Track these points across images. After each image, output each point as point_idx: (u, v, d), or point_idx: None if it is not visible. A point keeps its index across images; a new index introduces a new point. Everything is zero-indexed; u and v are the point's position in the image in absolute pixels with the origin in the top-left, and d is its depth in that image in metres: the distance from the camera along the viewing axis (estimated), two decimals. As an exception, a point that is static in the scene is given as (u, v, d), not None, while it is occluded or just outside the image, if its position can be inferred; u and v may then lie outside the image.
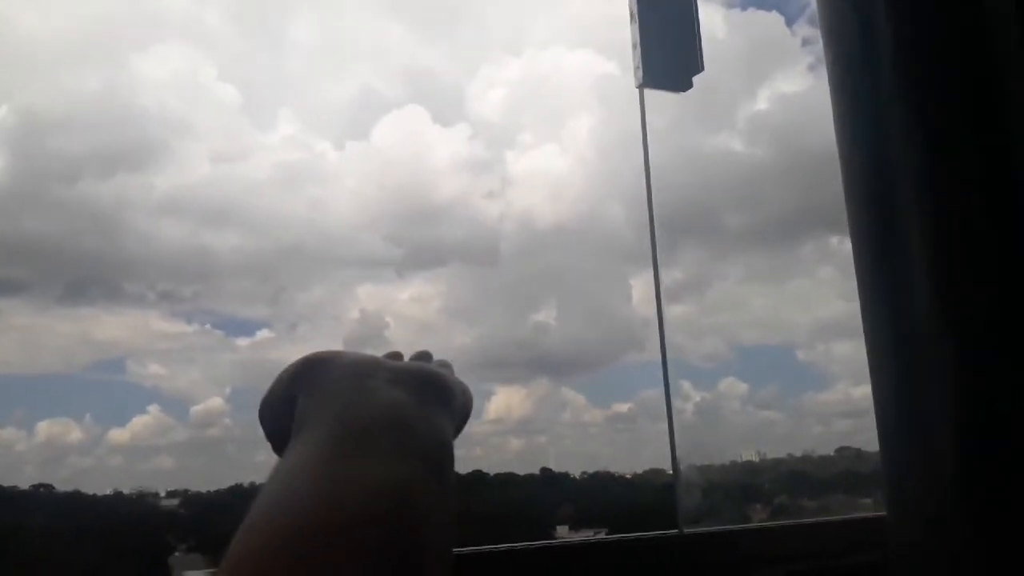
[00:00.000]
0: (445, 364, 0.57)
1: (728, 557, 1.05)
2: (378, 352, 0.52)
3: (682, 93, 1.20)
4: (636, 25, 1.11)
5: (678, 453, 1.24)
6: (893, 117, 0.96)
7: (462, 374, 0.55)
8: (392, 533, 0.34)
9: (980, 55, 0.94)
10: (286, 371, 0.47)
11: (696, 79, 1.17)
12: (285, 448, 0.41)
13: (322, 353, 0.46)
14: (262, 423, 0.48)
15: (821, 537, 1.14)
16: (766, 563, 1.05)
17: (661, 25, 1.11)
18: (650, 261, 1.26)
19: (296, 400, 0.44)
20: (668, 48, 1.11)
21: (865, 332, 1.01)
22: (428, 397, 0.44)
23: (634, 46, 1.11)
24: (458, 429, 0.48)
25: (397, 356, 0.57)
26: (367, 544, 0.32)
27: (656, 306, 1.26)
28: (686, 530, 1.08)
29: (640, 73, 1.11)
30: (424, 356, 0.58)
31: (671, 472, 1.26)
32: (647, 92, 1.19)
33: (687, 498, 1.16)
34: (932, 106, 0.94)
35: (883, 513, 1.00)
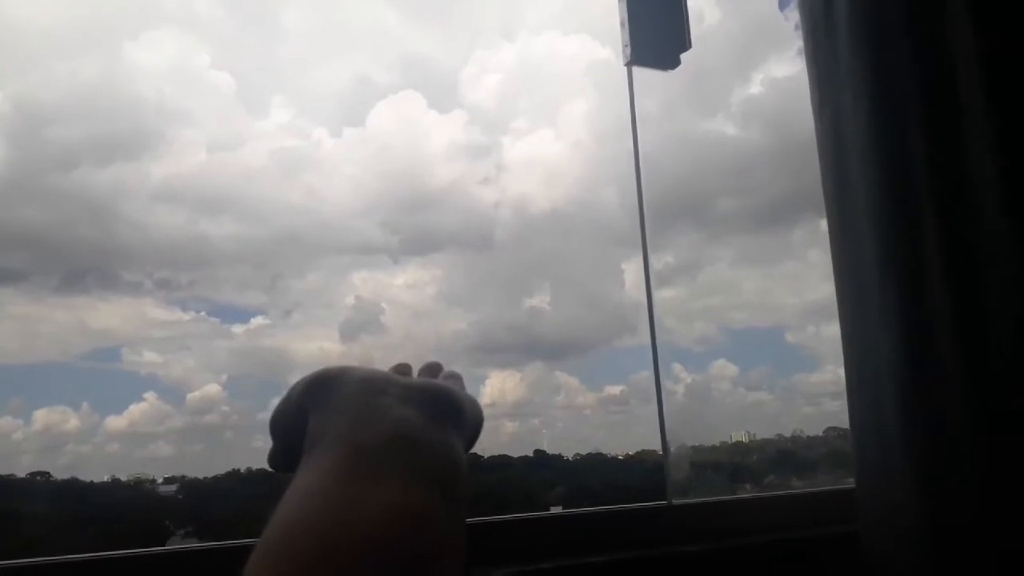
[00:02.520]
0: (454, 376, 0.58)
1: (715, 526, 1.09)
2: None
3: (672, 74, 1.22)
4: (624, 3, 1.12)
5: (669, 436, 1.27)
6: (852, 103, 0.99)
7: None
8: (405, 558, 0.34)
9: (932, 40, 0.96)
10: (297, 385, 0.47)
11: (689, 63, 1.19)
12: (293, 462, 0.42)
13: (333, 368, 0.46)
14: (272, 435, 0.48)
15: (804, 507, 1.18)
16: (753, 532, 1.09)
17: (649, 3, 1.13)
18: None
19: (307, 414, 0.44)
20: (656, 26, 1.12)
21: (839, 314, 1.04)
22: (439, 415, 0.44)
23: (622, 24, 1.12)
24: (469, 444, 0.48)
25: (405, 368, 0.59)
26: (380, 569, 0.33)
27: (646, 288, 1.29)
28: (674, 501, 1.11)
29: (628, 51, 1.13)
30: (433, 368, 0.59)
31: (661, 452, 1.29)
32: (639, 74, 1.22)
33: (676, 471, 1.20)
34: (888, 91, 0.97)
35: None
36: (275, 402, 0.49)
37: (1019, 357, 0.88)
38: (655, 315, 1.29)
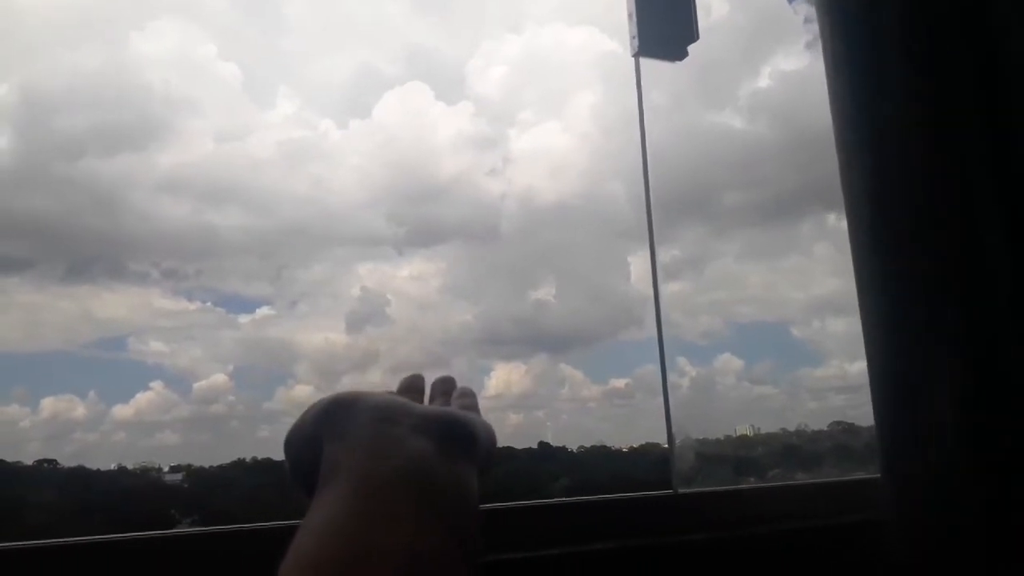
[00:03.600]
0: (467, 393, 0.58)
1: (721, 515, 1.09)
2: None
3: (680, 67, 1.22)
4: None
5: (673, 429, 1.27)
6: (891, 91, 0.98)
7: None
8: None
9: (980, 27, 0.95)
10: (312, 409, 0.47)
11: (697, 56, 1.19)
12: (307, 484, 0.44)
13: (347, 395, 0.47)
14: (286, 455, 0.49)
15: (812, 497, 1.18)
16: (758, 522, 1.09)
17: None
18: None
19: (321, 440, 0.44)
20: (663, 17, 1.13)
21: (860, 301, 1.03)
22: (452, 446, 0.44)
23: (630, 15, 1.13)
24: (484, 470, 0.49)
25: (419, 382, 0.60)
26: None
27: (652, 280, 1.29)
28: (680, 490, 1.11)
29: (636, 42, 1.13)
30: (447, 382, 0.60)
31: (666, 445, 1.29)
32: (646, 66, 1.22)
33: (682, 461, 1.20)
34: (932, 81, 0.96)
35: (869, 476, 1.04)
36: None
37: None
38: (661, 309, 1.28)
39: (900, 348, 0.98)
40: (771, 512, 1.11)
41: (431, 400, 0.59)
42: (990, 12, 0.95)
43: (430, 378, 0.62)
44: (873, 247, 1.00)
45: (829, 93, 1.06)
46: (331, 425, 0.45)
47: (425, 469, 0.42)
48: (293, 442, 0.48)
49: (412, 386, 0.60)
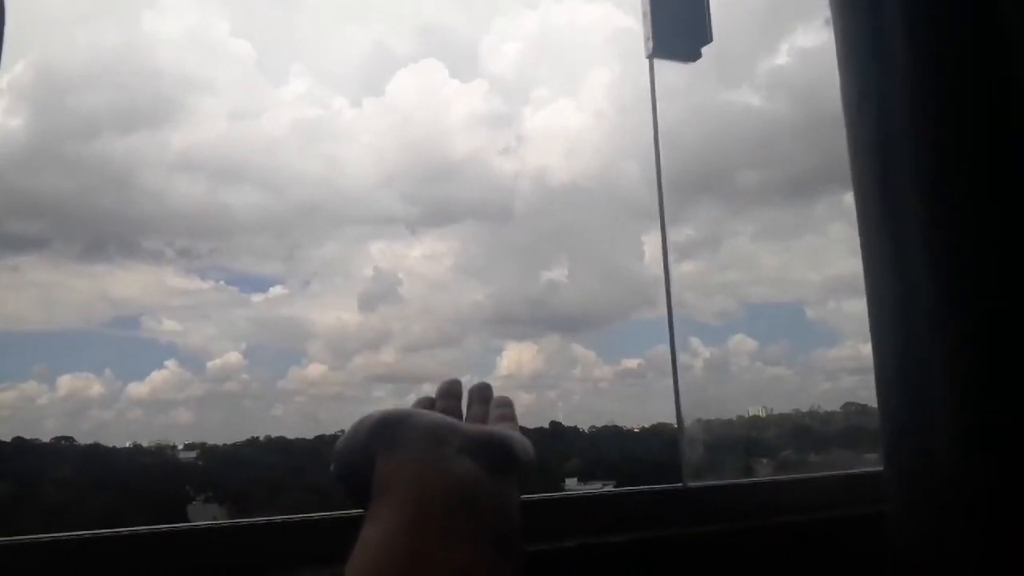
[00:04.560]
0: (506, 404, 0.61)
1: (730, 509, 1.09)
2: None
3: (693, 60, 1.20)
4: None
5: (684, 408, 1.27)
6: (898, 78, 0.96)
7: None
8: None
9: (989, 19, 0.94)
10: (363, 424, 0.50)
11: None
12: (353, 490, 0.49)
13: (397, 412, 0.50)
14: (335, 465, 0.52)
15: (820, 490, 1.18)
16: (768, 514, 1.08)
17: None
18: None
19: (372, 457, 0.48)
20: (678, 19, 1.13)
21: (867, 292, 1.02)
22: (496, 466, 0.48)
23: (644, 16, 1.13)
24: (524, 481, 0.51)
25: (456, 388, 0.63)
26: None
27: (663, 260, 1.28)
28: (690, 484, 1.11)
29: (650, 44, 1.13)
30: (483, 391, 0.63)
31: (676, 426, 1.28)
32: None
33: (691, 453, 1.19)
34: (939, 66, 0.94)
35: (879, 469, 1.03)
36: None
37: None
38: (672, 289, 1.27)
39: (906, 345, 0.97)
40: (780, 505, 1.11)
41: (469, 406, 0.62)
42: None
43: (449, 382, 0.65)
44: (880, 230, 0.99)
45: (839, 79, 1.05)
46: (383, 440, 0.48)
47: (472, 489, 0.45)
48: (343, 453, 0.51)
49: (450, 391, 0.63)
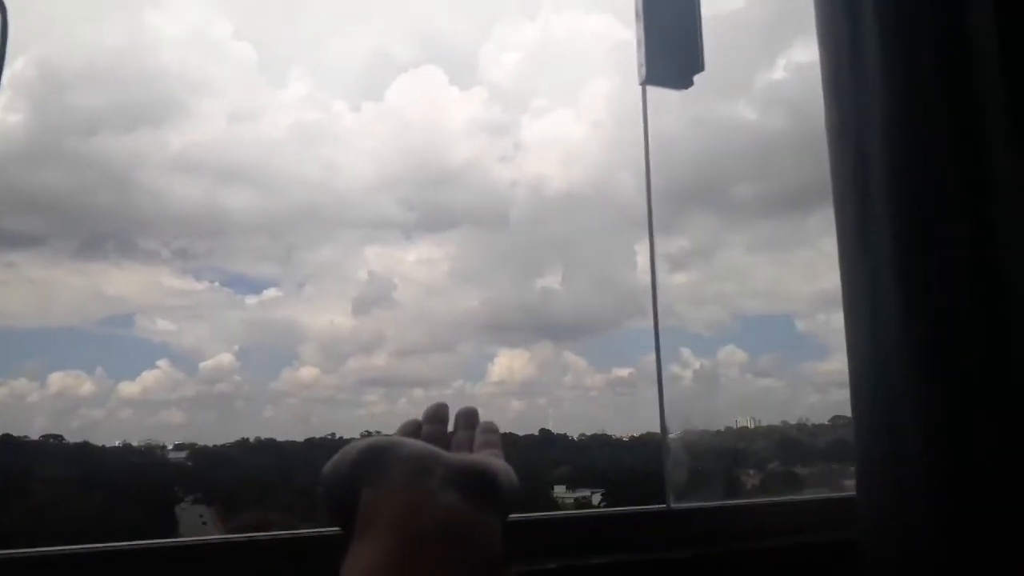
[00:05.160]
0: (491, 430, 0.62)
1: (714, 532, 1.10)
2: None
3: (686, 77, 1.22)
4: (641, 24, 1.14)
5: (673, 420, 1.27)
6: (876, 105, 0.98)
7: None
8: None
9: (958, 49, 0.96)
10: (347, 455, 0.50)
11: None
12: (338, 517, 0.49)
13: (381, 441, 0.51)
14: (320, 493, 0.52)
15: (804, 513, 1.19)
16: (751, 537, 1.09)
17: (665, 25, 1.15)
18: (657, 229, 1.29)
19: (357, 488, 0.48)
20: (671, 49, 1.14)
21: (844, 304, 1.04)
22: (480, 498, 0.48)
23: (638, 43, 1.14)
24: (506, 514, 0.52)
25: (443, 412, 0.64)
26: None
27: (651, 274, 1.29)
28: (673, 505, 1.12)
29: (643, 71, 1.15)
30: (470, 415, 0.64)
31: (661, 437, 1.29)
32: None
33: (676, 471, 1.20)
34: (911, 94, 0.97)
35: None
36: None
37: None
38: (664, 300, 1.29)
39: (876, 353, 0.99)
40: (764, 528, 1.12)
41: (455, 431, 0.63)
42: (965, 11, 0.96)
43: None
44: (856, 250, 1.01)
45: (823, 104, 1.07)
46: (367, 470, 0.49)
47: (456, 521, 0.46)
48: (329, 481, 0.51)
49: (436, 415, 0.63)
